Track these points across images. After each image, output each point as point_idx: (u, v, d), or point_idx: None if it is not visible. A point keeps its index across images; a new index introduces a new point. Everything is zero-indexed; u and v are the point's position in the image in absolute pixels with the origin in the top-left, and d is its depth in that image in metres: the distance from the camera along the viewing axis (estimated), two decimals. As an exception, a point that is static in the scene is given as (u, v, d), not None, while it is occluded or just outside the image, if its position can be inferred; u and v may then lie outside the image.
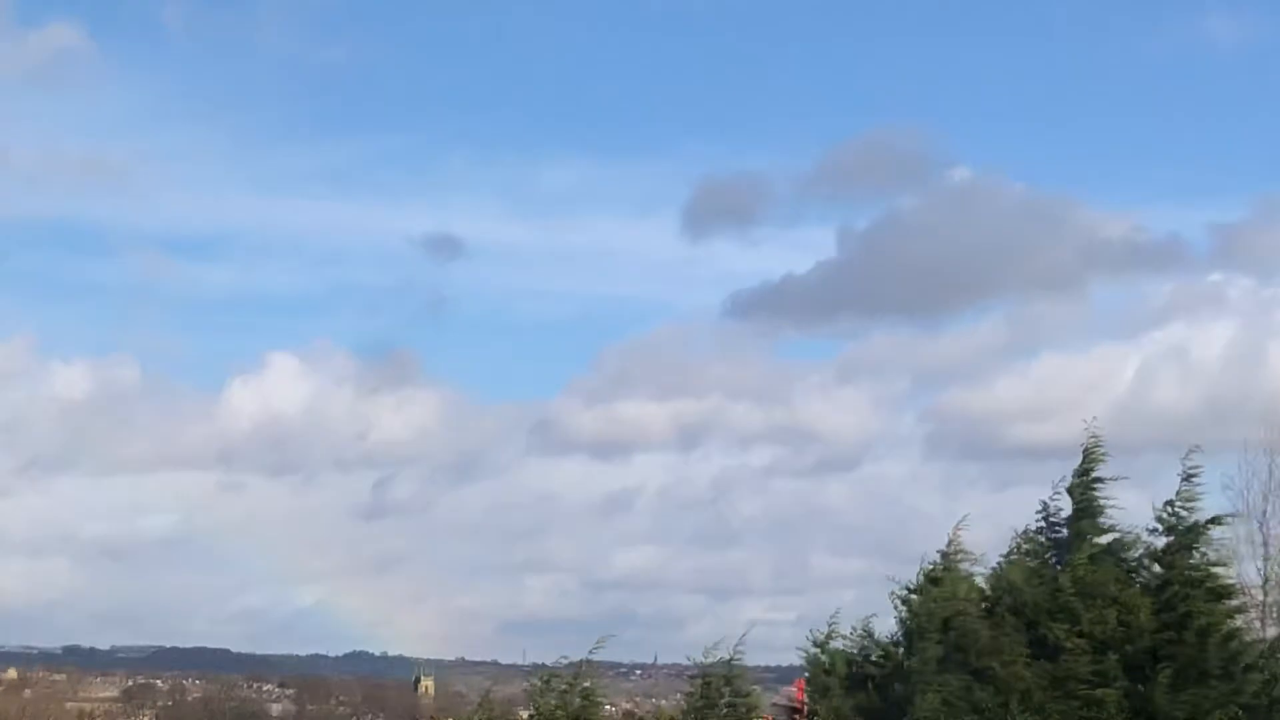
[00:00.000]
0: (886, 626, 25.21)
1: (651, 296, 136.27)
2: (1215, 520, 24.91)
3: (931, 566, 25.04)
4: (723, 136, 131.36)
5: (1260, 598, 43.09)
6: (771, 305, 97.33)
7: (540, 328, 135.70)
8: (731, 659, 27.10)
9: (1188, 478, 24.42)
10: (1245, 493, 45.81)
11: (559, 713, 26.47)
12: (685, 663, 27.90)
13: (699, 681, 27.31)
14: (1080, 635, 23.93)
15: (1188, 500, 24.44)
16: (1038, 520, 24.88)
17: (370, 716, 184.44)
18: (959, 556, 25.17)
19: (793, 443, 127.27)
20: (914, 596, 24.80)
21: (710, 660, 27.18)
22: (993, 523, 26.36)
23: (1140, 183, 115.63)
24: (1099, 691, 23.55)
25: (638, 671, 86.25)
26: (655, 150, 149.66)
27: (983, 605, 24.51)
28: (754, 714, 27.15)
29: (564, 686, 26.67)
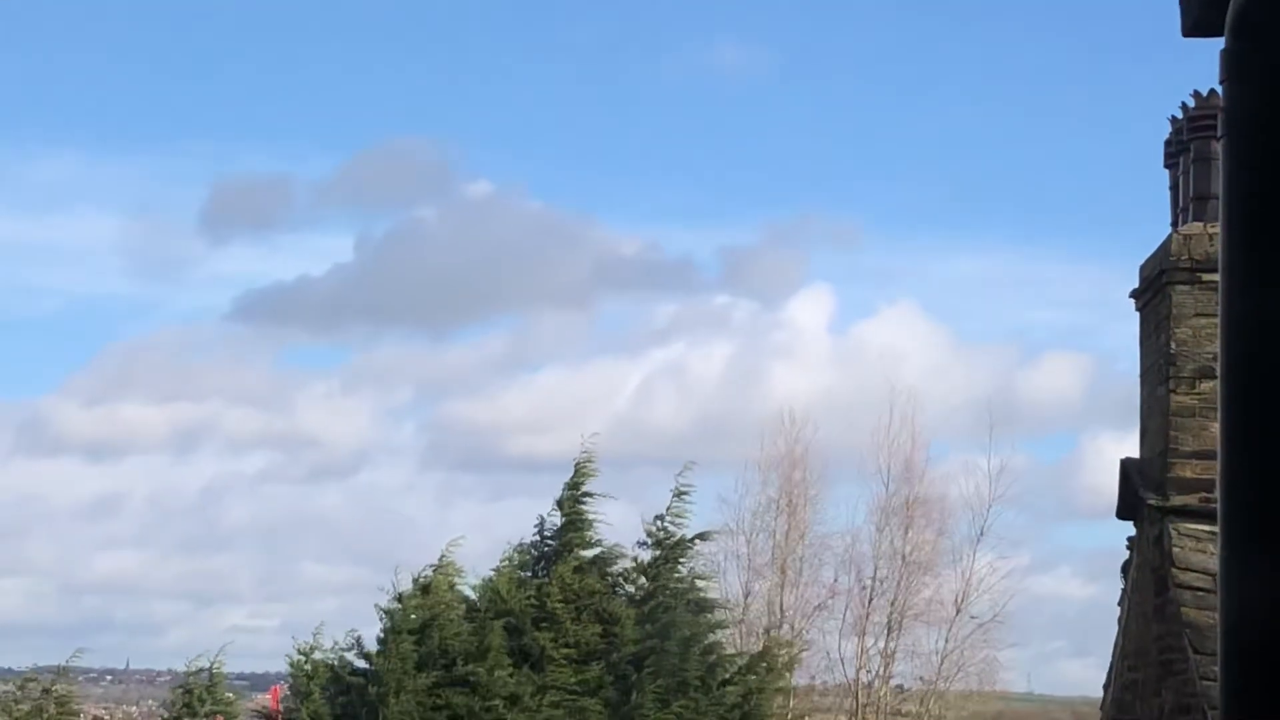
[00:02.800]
0: (373, 634, 25.03)
1: (158, 297, 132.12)
2: (702, 535, 25.51)
3: (423, 576, 24.93)
4: (238, 136, 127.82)
5: (743, 613, 44.33)
6: (282, 311, 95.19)
7: (34, 325, 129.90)
8: (212, 667, 26.66)
9: (679, 494, 24.94)
10: (739, 509, 47.11)
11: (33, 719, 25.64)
12: (158, 669, 27.28)
13: (179, 690, 26.87)
14: (566, 645, 24.16)
15: (677, 516, 24.95)
16: (533, 533, 25.06)
17: None
18: (449, 569, 25.13)
19: (290, 450, 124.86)
20: (398, 605, 24.67)
21: (192, 669, 26.69)
22: (488, 534, 26.50)
23: (657, 204, 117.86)
24: (584, 700, 23.80)
25: (108, 677, 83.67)
26: (161, 147, 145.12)
27: (469, 613, 24.55)
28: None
29: (38, 693, 25.81)
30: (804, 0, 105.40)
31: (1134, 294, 17.29)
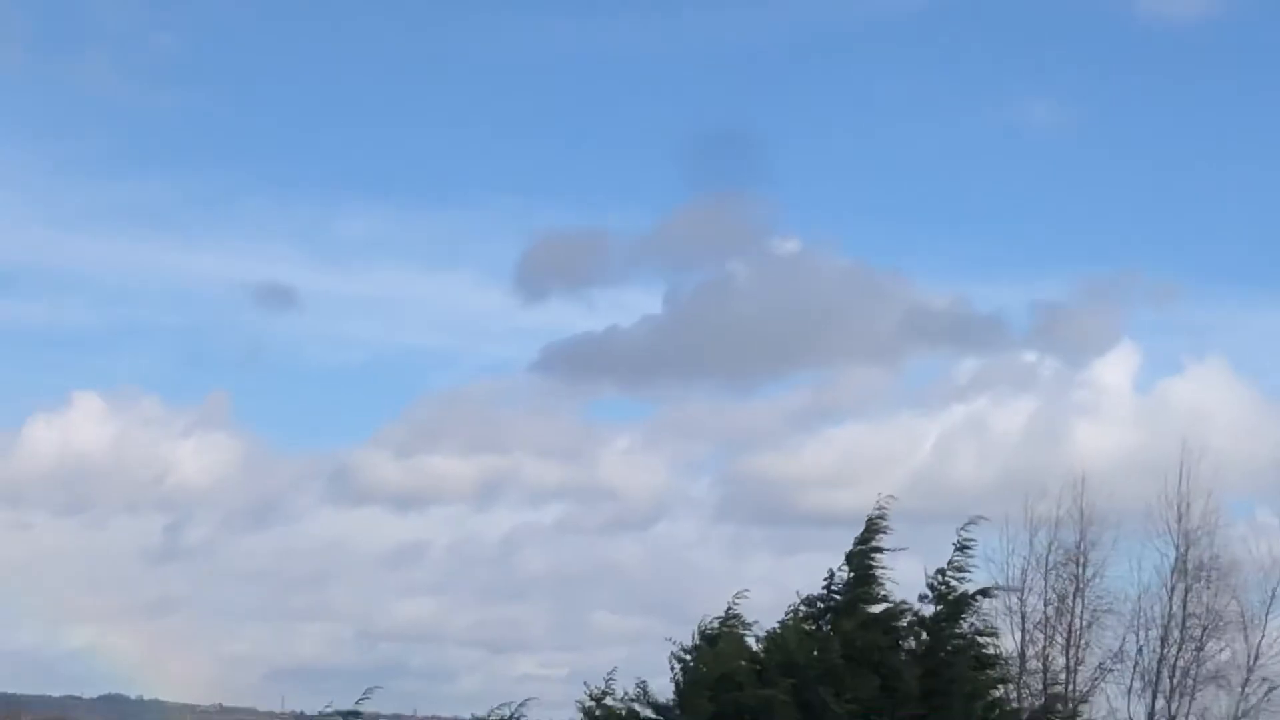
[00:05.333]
0: (662, 685, 25.62)
1: (467, 348, 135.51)
2: (985, 591, 25.75)
3: (709, 628, 25.49)
4: (552, 192, 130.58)
5: (1021, 671, 44.18)
6: (589, 363, 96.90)
7: (344, 376, 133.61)
8: (513, 716, 27.32)
9: (961, 548, 25.23)
10: (1024, 565, 47.03)
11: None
12: (444, 715, 28.04)
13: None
14: (849, 700, 24.52)
15: (959, 570, 25.23)
16: (822, 586, 25.50)
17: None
18: (735, 622, 25.64)
19: (589, 501, 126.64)
20: (688, 656, 25.23)
21: (490, 717, 27.38)
22: (778, 587, 27.00)
23: (968, 260, 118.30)
24: (867, 754, 24.14)
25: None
26: (472, 202, 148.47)
27: (756, 668, 25.02)
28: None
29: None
30: (1114, 59, 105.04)
31: None
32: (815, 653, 24.75)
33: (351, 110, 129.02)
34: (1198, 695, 47.59)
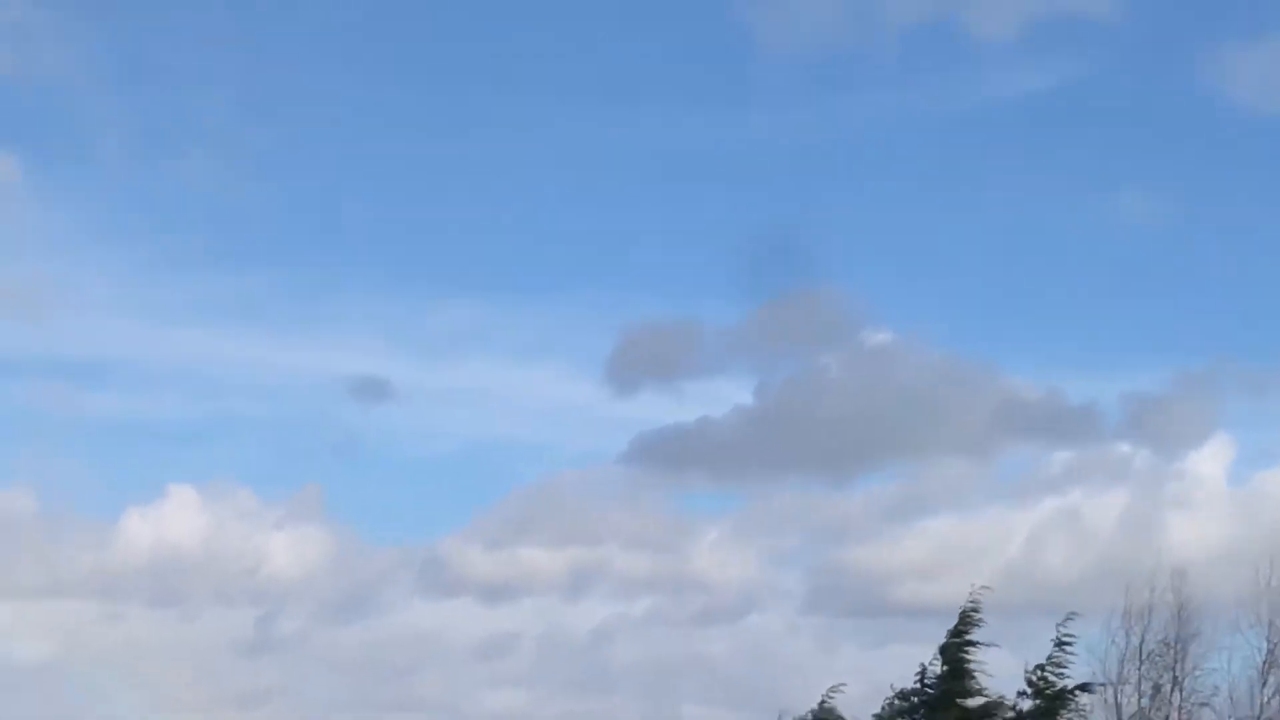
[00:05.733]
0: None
1: (557, 439, 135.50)
2: (1084, 687, 25.40)
3: (802, 722, 25.33)
4: (644, 284, 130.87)
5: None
6: (680, 454, 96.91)
7: (435, 467, 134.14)
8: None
9: (1061, 644, 24.93)
10: (1120, 659, 46.61)
11: None
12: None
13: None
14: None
15: (1058, 666, 24.93)
16: (915, 680, 25.25)
17: None
18: (829, 715, 25.45)
19: (679, 593, 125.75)
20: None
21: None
22: (870, 680, 26.72)
23: (1062, 351, 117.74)
24: None
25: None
26: (562, 295, 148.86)
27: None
28: None
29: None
30: (1204, 148, 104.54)
31: None
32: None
33: (444, 205, 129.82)
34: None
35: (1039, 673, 24.95)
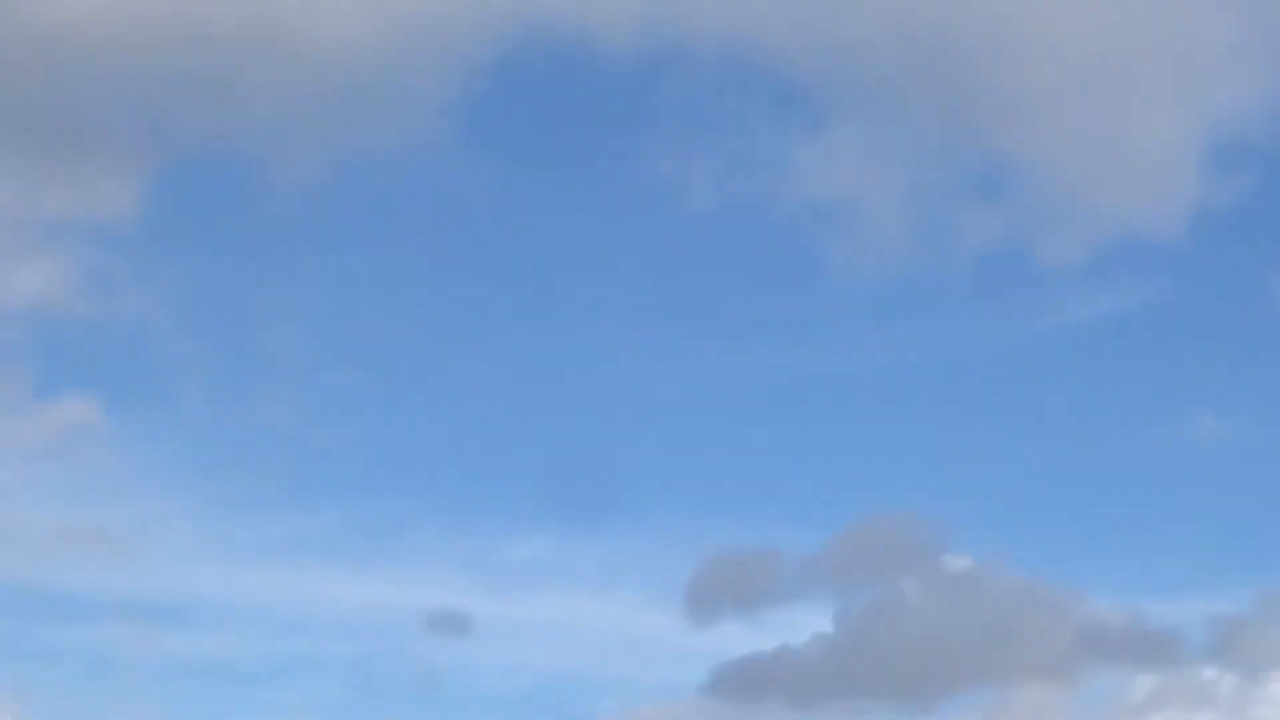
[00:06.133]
0: None
1: (634, 671, 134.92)
2: None
3: None
4: (722, 512, 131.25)
5: None
6: (759, 684, 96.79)
7: (519, 702, 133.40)
8: None
9: None
10: None
11: None
12: None
13: None
14: None
15: None
16: None
17: None
18: None
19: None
20: None
21: None
22: None
23: (1144, 574, 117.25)
24: None
25: None
26: (647, 521, 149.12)
27: None
28: None
29: None
30: (1278, 368, 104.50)
31: None
32: None
33: (519, 437, 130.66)
34: None
35: None
